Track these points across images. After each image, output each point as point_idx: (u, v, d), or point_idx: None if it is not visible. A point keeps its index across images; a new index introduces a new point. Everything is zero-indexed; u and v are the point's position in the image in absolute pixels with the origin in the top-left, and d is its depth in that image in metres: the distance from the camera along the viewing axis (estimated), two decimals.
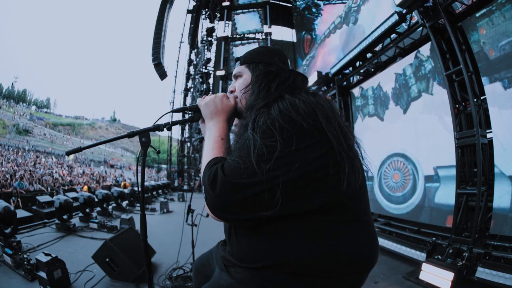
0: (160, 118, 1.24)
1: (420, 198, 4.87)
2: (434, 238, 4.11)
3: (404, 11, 4.24)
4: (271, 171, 0.80)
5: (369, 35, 5.23)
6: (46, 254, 2.82)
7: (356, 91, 6.97)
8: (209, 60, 15.48)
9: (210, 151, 1.01)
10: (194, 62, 15.44)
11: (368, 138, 6.52)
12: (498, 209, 3.36)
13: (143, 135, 1.13)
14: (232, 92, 1.18)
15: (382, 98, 5.94)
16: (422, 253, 4.10)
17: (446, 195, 4.21)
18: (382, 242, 4.94)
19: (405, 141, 5.35)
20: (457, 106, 3.92)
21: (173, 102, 16.89)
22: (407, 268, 4.07)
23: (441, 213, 4.36)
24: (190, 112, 1.18)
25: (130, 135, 1.12)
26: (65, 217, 5.46)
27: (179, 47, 15.83)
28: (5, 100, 74.72)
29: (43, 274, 2.67)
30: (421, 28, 4.36)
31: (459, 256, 3.59)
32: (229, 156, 0.90)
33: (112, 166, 40.64)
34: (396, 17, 4.45)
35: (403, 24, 4.66)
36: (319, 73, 7.39)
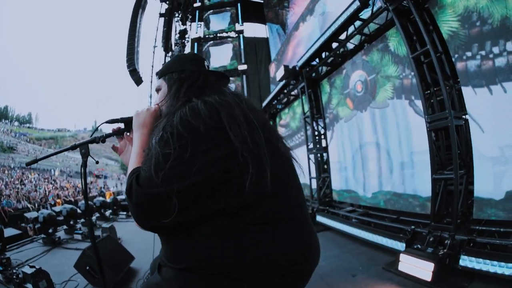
0: (95, 130, 1.40)
1: (396, 186, 4.60)
2: (413, 227, 3.82)
3: None
4: (168, 179, 0.79)
5: (332, 24, 4.87)
6: (31, 267, 3.00)
7: (325, 83, 6.64)
8: None
9: (132, 162, 1.01)
10: None
11: (340, 129, 6.23)
12: (481, 192, 3.09)
13: (83, 147, 1.17)
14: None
15: (350, 87, 5.62)
16: (401, 242, 3.80)
17: (424, 181, 3.93)
18: (360, 233, 4.69)
19: (376, 128, 5.06)
20: (428, 90, 3.63)
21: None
22: (388, 258, 3.84)
23: (419, 199, 4.09)
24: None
25: (73, 147, 1.20)
26: (50, 230, 5.47)
27: (153, 52, 15.10)
28: None
29: (29, 286, 2.87)
30: (386, 12, 4.02)
31: (441, 244, 3.31)
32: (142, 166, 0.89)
33: (97, 177, 38.97)
34: (357, 3, 4.10)
35: (369, 9, 4.31)
36: (286, 66, 7.01)
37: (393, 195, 4.67)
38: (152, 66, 15.68)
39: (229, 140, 0.83)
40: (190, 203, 0.81)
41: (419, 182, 4.09)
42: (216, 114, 0.85)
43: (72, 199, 15.71)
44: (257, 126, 0.89)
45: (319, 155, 6.98)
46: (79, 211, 6.87)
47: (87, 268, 3.31)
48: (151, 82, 15.82)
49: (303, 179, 7.36)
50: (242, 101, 0.95)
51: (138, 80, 14.03)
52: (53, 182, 27.29)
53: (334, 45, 5.48)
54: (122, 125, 1.21)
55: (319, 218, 6.11)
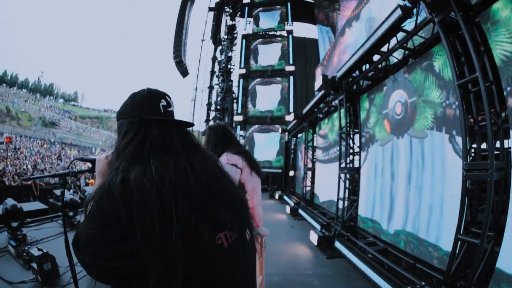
0: (70, 164, 1.70)
1: (420, 229, 3.86)
2: (423, 283, 3.14)
3: (408, 3, 3.25)
4: (86, 254, 0.76)
5: (372, 34, 4.24)
6: (39, 249, 2.88)
7: (364, 98, 5.95)
8: (230, 58, 15.05)
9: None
10: (219, 59, 15.12)
11: (375, 152, 5.52)
12: (505, 264, 2.35)
13: (61, 178, 1.40)
14: None
15: (389, 108, 4.90)
16: None
17: (448, 232, 3.19)
18: (371, 274, 4.07)
19: (411, 160, 4.31)
20: (472, 128, 2.90)
21: (194, 100, 16.73)
22: None
23: (439, 251, 3.35)
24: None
25: (53, 175, 1.49)
26: (70, 213, 5.64)
27: (201, 45, 15.62)
28: (31, 94, 73.35)
29: (35, 266, 2.90)
30: (432, 24, 3.33)
31: None
32: None
33: None
34: (399, 11, 3.45)
35: (413, 20, 3.63)
36: (324, 77, 6.46)
37: (414, 238, 3.93)
38: (199, 60, 16.12)
39: (136, 236, 0.72)
40: (110, 279, 0.78)
41: (444, 232, 3.35)
42: (129, 201, 0.73)
43: None
44: (182, 219, 0.73)
45: (349, 175, 6.32)
46: None
47: None
48: (197, 75, 16.36)
49: (332, 196, 6.87)
50: (190, 177, 0.80)
51: (184, 72, 14.55)
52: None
53: (376, 57, 4.81)
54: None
55: (337, 245, 5.53)
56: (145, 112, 0.91)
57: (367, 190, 5.76)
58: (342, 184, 6.39)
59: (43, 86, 79.95)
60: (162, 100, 0.94)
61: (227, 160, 2.25)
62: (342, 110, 6.56)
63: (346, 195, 6.23)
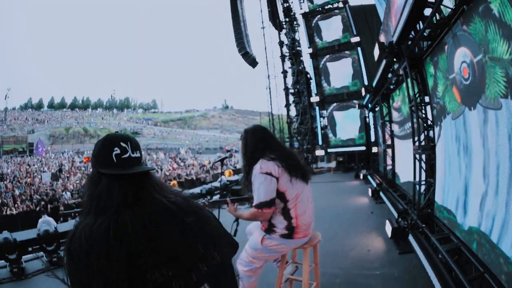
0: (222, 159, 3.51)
1: (493, 231, 2.91)
2: None
3: None
4: None
5: None
6: None
7: (428, 62, 4.72)
8: (294, 39, 14.35)
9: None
10: (286, 43, 14.62)
11: (449, 126, 4.40)
12: None
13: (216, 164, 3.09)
14: None
15: (455, 71, 3.76)
16: None
17: None
18: (435, 282, 3.35)
19: (486, 139, 3.24)
20: None
21: (269, 87, 16.68)
22: None
23: (509, 266, 2.47)
24: None
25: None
26: None
27: (263, 33, 15.30)
28: (107, 111, 75.73)
29: None
30: None
31: None
32: None
33: (228, 151, 41.29)
34: None
35: None
36: (380, 43, 5.43)
37: (487, 241, 2.99)
38: (265, 47, 15.74)
39: None
40: None
41: None
42: (84, 257, 0.77)
43: (194, 177, 17.48)
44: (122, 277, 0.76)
45: (424, 155, 5.22)
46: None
47: None
48: (267, 63, 16.08)
49: (410, 176, 5.79)
50: (110, 239, 0.79)
51: (252, 62, 14.60)
52: (178, 161, 28.61)
53: (428, 12, 3.71)
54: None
55: (411, 238, 4.74)
56: (100, 165, 0.92)
57: (442, 174, 4.67)
58: (417, 164, 5.36)
59: (118, 101, 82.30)
60: (116, 148, 0.91)
61: (260, 169, 2.12)
62: (409, 80, 5.40)
63: (423, 178, 5.21)
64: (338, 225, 5.92)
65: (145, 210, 0.86)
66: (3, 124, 56.79)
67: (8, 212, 9.38)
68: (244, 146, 2.33)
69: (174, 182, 14.94)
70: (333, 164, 15.61)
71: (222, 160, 3.42)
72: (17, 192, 13.50)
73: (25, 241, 4.55)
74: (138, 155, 0.96)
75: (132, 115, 76.96)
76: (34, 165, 25.96)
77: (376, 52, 5.66)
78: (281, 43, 14.87)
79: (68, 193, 13.30)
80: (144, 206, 0.87)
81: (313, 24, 13.28)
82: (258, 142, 2.26)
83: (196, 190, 7.60)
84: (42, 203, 10.74)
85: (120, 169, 0.89)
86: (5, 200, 11.16)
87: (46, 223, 4.78)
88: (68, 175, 19.82)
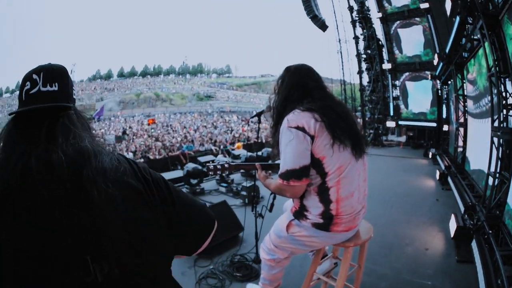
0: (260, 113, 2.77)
1: None
2: None
3: None
4: None
5: None
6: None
7: (506, 21, 3.85)
8: (362, 3, 13.18)
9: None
10: (356, 8, 13.48)
11: None
12: None
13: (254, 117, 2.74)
14: None
15: None
16: None
17: None
18: None
19: None
20: None
21: (340, 52, 15.80)
22: None
23: None
24: None
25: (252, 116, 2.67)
26: (194, 181, 5.89)
27: None
28: (180, 76, 73.17)
29: (244, 193, 5.20)
30: None
31: None
32: None
33: None
34: None
35: None
36: None
37: None
38: (334, 11, 14.59)
39: None
40: None
41: None
42: None
43: (264, 140, 17.23)
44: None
45: (503, 140, 4.22)
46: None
47: None
48: (337, 27, 15.06)
49: (482, 165, 4.89)
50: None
51: (322, 26, 13.80)
52: (250, 124, 27.24)
53: None
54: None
55: (474, 245, 3.72)
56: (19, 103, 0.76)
57: None
58: (494, 152, 4.39)
59: (191, 67, 78.61)
60: (27, 83, 0.74)
61: (287, 122, 1.51)
62: (487, 44, 4.46)
63: (498, 169, 4.04)
64: (399, 210, 5.24)
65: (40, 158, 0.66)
66: None
67: None
68: (277, 90, 1.70)
69: (239, 144, 13.84)
70: (403, 139, 14.45)
71: (259, 115, 2.69)
72: None
73: None
74: (54, 88, 0.75)
75: (206, 80, 73.94)
76: (101, 129, 26.00)
77: (448, 5, 4.77)
78: (350, 8, 13.78)
79: (131, 154, 13.55)
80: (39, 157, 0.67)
81: None
82: (296, 86, 1.61)
83: (260, 152, 6.90)
84: None
85: (21, 107, 0.73)
86: None
87: None
88: (134, 137, 20.08)
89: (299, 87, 1.60)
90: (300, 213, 1.65)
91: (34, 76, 0.74)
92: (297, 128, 1.46)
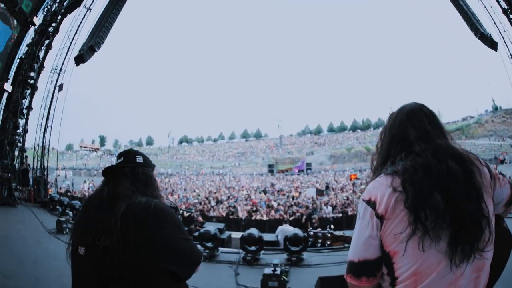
0: None
1: None
2: None
3: None
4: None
5: None
6: None
7: None
8: None
9: None
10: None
11: None
12: None
13: None
14: None
15: None
16: None
17: None
18: None
19: None
20: None
21: None
22: None
23: None
24: None
25: None
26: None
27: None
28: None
29: None
30: None
31: None
32: None
33: (502, 162, 29.30)
34: None
35: None
36: None
37: None
38: (495, 23, 11.70)
39: None
40: None
41: None
42: None
43: None
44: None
45: None
46: None
47: None
48: (505, 43, 11.99)
49: None
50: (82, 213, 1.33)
51: (492, 44, 11.61)
52: None
53: None
54: None
55: None
56: None
57: None
58: None
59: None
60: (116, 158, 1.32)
61: (365, 191, 1.03)
62: None
63: None
64: None
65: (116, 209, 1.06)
66: (279, 148, 64.06)
67: (258, 217, 11.25)
68: (379, 145, 1.14)
69: None
70: None
71: None
72: (274, 204, 14.12)
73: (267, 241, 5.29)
74: (120, 160, 1.25)
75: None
76: (306, 182, 27.66)
77: None
78: (505, 11, 11.13)
79: (330, 207, 12.18)
80: (115, 206, 1.08)
81: None
82: (396, 140, 1.06)
83: None
84: (297, 214, 10.63)
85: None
86: (259, 208, 13.21)
87: (282, 231, 5.75)
88: (340, 191, 19.74)
89: (398, 141, 1.05)
90: None
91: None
92: (368, 202, 0.96)
